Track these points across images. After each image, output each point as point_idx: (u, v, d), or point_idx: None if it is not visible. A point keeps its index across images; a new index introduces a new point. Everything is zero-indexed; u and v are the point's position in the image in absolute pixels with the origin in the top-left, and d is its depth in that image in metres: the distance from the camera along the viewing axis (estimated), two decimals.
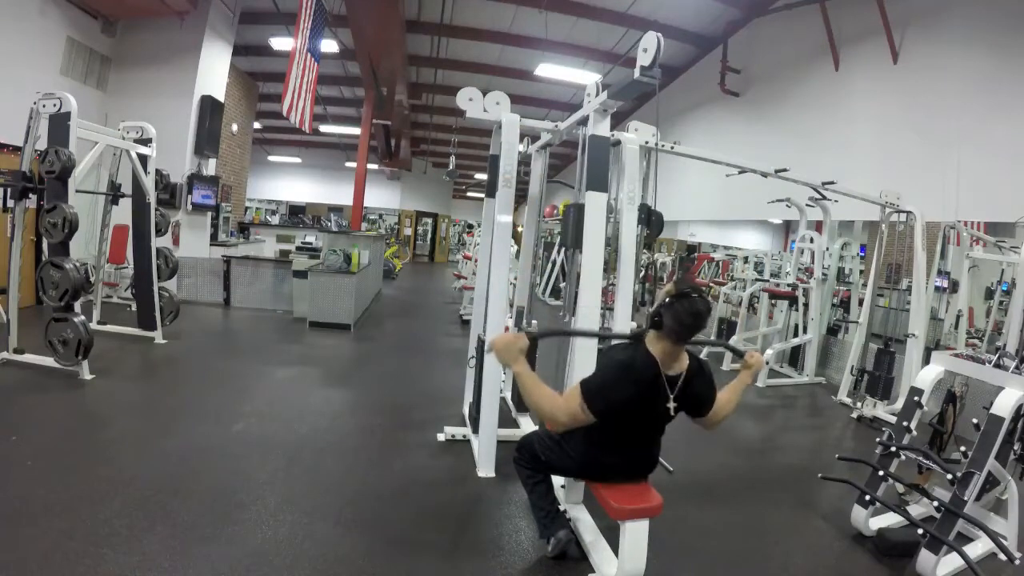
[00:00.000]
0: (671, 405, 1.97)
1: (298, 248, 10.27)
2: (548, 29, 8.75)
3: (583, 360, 2.57)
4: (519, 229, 6.61)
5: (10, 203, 4.34)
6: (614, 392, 1.91)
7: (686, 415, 2.11)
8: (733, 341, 6.43)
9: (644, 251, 3.30)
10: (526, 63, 10.22)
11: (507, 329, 3.80)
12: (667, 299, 1.91)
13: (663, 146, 3.76)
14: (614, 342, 2.35)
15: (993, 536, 2.34)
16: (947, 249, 5.24)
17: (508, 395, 4.03)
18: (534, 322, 3.78)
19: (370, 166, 13.77)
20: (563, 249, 9.20)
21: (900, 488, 2.97)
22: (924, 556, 2.37)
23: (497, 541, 2.46)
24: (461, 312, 8.39)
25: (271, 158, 18.89)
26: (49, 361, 4.07)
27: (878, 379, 4.76)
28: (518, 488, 2.85)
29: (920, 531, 2.50)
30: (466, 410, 3.86)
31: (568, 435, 2.18)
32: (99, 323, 5.46)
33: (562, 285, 8.52)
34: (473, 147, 16.98)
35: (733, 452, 3.94)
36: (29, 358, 4.17)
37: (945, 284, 5.39)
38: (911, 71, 6.21)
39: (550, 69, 9.21)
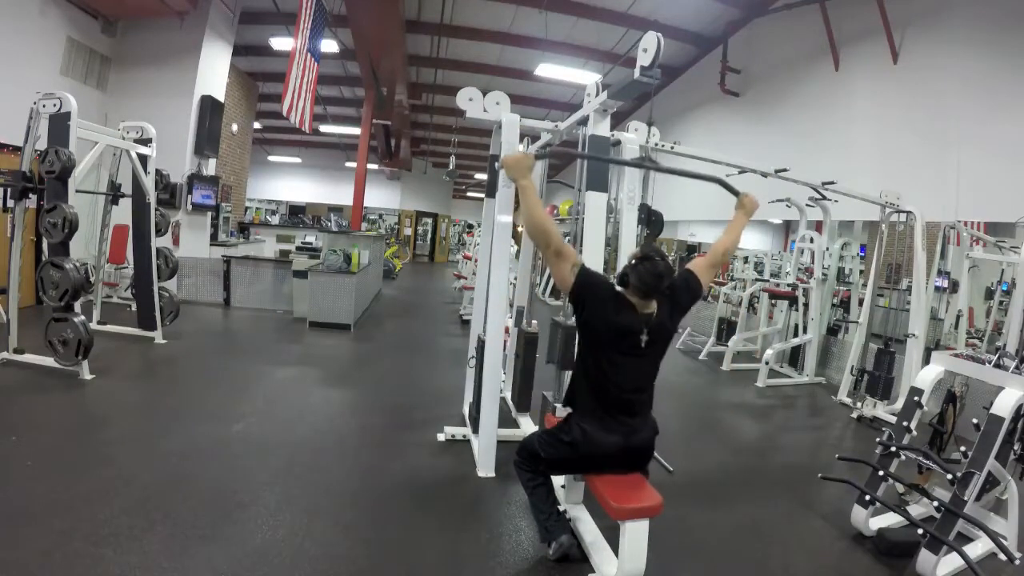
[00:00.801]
0: (643, 337, 2.11)
1: (298, 248, 10.27)
2: (548, 29, 8.75)
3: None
4: (519, 229, 6.60)
5: (10, 203, 4.34)
6: (598, 288, 2.16)
7: (691, 303, 2.29)
8: (733, 341, 6.43)
9: None
10: (526, 63, 10.23)
11: (507, 329, 3.80)
12: (632, 260, 2.12)
13: (663, 146, 3.77)
14: None
15: (993, 536, 2.34)
16: (947, 249, 5.24)
17: (508, 395, 4.03)
18: (534, 322, 3.78)
19: (370, 166, 13.78)
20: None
21: (900, 488, 2.97)
22: (924, 556, 2.37)
23: (497, 541, 2.46)
24: (461, 312, 8.39)
25: (271, 158, 18.90)
26: (49, 361, 4.07)
27: (878, 379, 4.76)
28: (518, 488, 2.85)
29: (920, 531, 2.50)
30: (466, 410, 3.86)
31: (565, 424, 2.23)
32: (99, 323, 5.46)
33: None
34: (473, 147, 16.98)
35: (733, 452, 3.94)
36: (29, 358, 4.18)
37: (945, 284, 5.39)
38: (911, 71, 6.21)
39: (550, 69, 9.21)
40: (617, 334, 2.11)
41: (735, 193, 2.58)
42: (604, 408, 2.14)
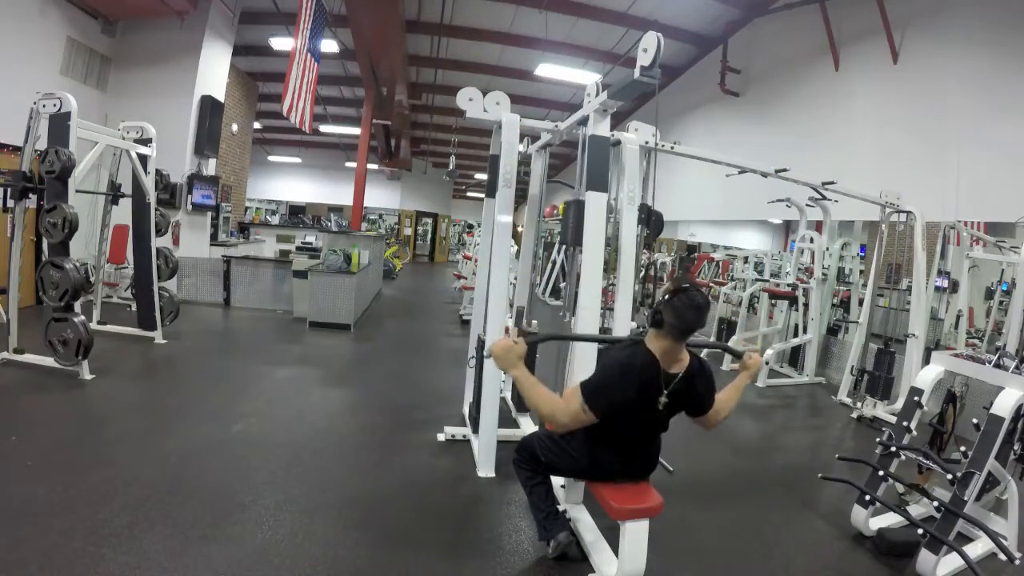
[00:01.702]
0: (663, 400, 1.96)
1: (298, 248, 10.27)
2: (548, 29, 8.75)
3: (583, 361, 2.57)
4: (519, 229, 6.61)
5: (10, 203, 4.33)
6: (614, 392, 1.92)
7: (686, 415, 2.12)
8: (733, 341, 6.43)
9: (644, 251, 3.29)
10: (526, 63, 10.22)
11: (507, 329, 3.80)
12: (666, 296, 1.92)
13: (663, 146, 3.76)
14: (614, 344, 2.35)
15: (993, 536, 2.34)
16: (947, 249, 5.24)
17: (508, 395, 4.03)
18: (534, 322, 3.78)
19: (370, 166, 13.77)
20: (563, 249, 9.21)
21: (900, 488, 2.97)
22: (924, 556, 2.37)
23: (497, 541, 2.46)
24: (461, 312, 8.39)
25: (271, 158, 18.89)
26: (49, 361, 4.07)
27: (878, 379, 4.76)
28: (518, 488, 2.85)
29: (920, 531, 2.50)
30: (466, 410, 3.86)
31: (569, 434, 2.19)
32: (99, 323, 5.46)
33: (562, 285, 8.52)
34: (473, 147, 16.98)
35: (733, 452, 3.94)
36: (29, 358, 4.18)
37: (945, 284, 5.39)
38: (911, 71, 6.21)
39: (550, 69, 9.21)
40: (634, 408, 1.97)
41: (737, 355, 2.37)
42: (613, 445, 2.10)
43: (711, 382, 2.11)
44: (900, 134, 6.23)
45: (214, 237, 9.18)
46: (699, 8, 8.54)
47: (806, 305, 5.91)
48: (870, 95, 6.74)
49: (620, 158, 2.95)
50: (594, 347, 2.60)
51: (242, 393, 4.16)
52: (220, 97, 8.30)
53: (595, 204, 2.78)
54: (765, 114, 8.71)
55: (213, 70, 8.04)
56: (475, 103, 3.31)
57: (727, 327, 6.99)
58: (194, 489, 2.63)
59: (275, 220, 16.64)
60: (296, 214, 18.26)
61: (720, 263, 10.08)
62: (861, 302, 5.66)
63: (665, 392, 1.96)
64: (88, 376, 4.05)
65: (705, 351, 6.80)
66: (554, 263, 11.47)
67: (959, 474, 2.40)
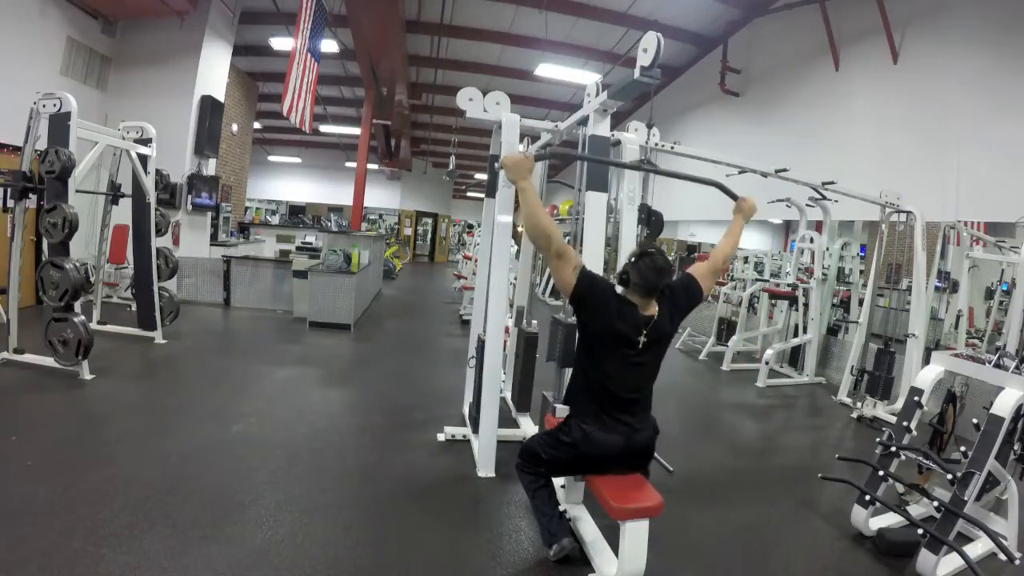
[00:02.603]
0: (642, 339, 2.11)
1: (298, 248, 10.27)
2: (548, 29, 8.75)
3: None
4: (519, 229, 6.60)
5: (10, 203, 4.34)
6: (599, 285, 2.17)
7: (689, 307, 2.28)
8: (733, 341, 6.43)
9: None
10: (526, 63, 10.22)
11: (507, 329, 3.80)
12: (631, 258, 2.15)
13: (663, 146, 3.76)
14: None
15: (993, 536, 2.34)
16: (947, 249, 5.24)
17: (508, 395, 4.03)
18: (534, 322, 3.78)
19: (370, 166, 13.78)
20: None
21: (900, 488, 2.97)
22: (924, 556, 2.37)
23: (497, 541, 2.46)
24: (461, 312, 8.39)
25: (271, 158, 18.89)
26: (49, 361, 4.07)
27: (878, 379, 4.76)
28: (518, 488, 2.85)
29: (920, 531, 2.50)
30: (466, 410, 3.86)
31: (565, 424, 2.23)
32: (99, 323, 5.46)
33: None
34: (473, 147, 16.98)
35: (733, 452, 3.95)
36: (29, 358, 4.18)
37: (945, 284, 5.39)
38: (911, 71, 6.21)
39: (550, 69, 9.21)
40: (617, 336, 2.10)
41: (733, 197, 2.59)
42: (603, 408, 2.14)
43: (689, 287, 2.30)
44: (900, 134, 6.23)
45: (214, 237, 9.18)
46: (699, 8, 8.54)
47: (806, 305, 5.91)
48: (870, 95, 6.74)
49: (620, 158, 2.95)
50: None
51: (242, 393, 4.16)
52: (220, 97, 8.30)
53: (595, 204, 2.78)
54: (765, 114, 8.71)
55: (213, 70, 8.04)
56: (475, 103, 3.31)
57: (727, 327, 6.99)
58: (194, 489, 2.63)
59: (275, 220, 16.66)
60: (296, 214, 18.27)
61: None
62: (861, 302, 5.66)
63: (644, 331, 2.11)
64: (88, 376, 4.05)
65: (706, 350, 6.80)
66: None
67: (959, 474, 2.40)
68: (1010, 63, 5.15)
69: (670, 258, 2.23)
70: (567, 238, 3.17)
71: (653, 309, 2.16)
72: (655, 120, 3.40)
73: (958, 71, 5.62)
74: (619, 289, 2.19)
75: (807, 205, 5.97)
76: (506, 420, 3.61)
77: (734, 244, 2.53)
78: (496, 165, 2.99)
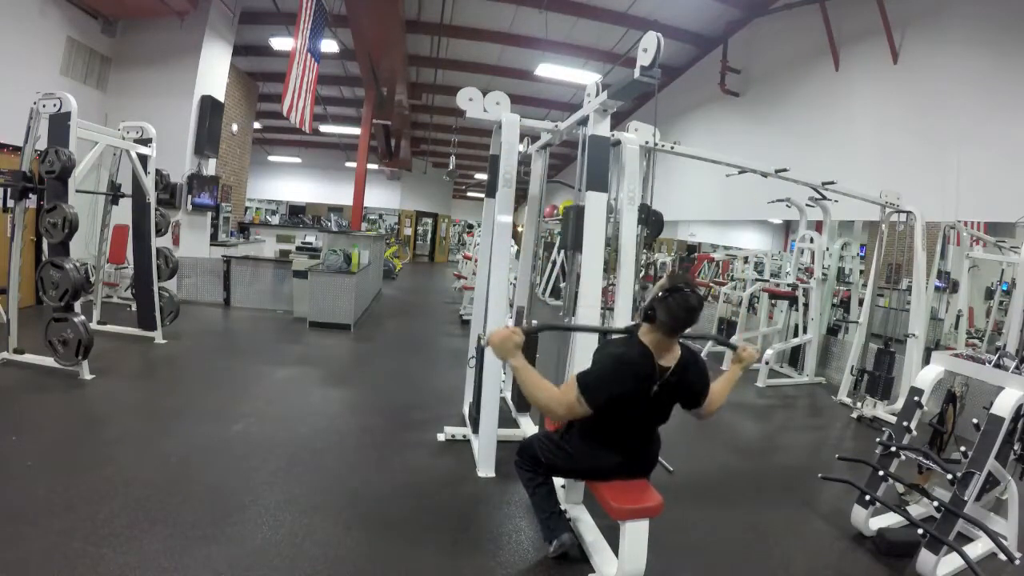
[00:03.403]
0: (654, 389, 1.98)
1: (298, 248, 10.27)
2: (548, 29, 8.74)
3: (583, 355, 2.56)
4: (519, 229, 6.61)
5: (10, 203, 4.34)
6: (610, 384, 1.95)
7: (680, 407, 2.14)
8: (734, 340, 6.42)
9: (644, 251, 3.29)
10: (526, 63, 10.22)
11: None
12: (660, 293, 1.94)
13: (663, 146, 3.76)
14: (610, 336, 2.37)
15: (993, 536, 2.34)
16: (947, 249, 5.24)
17: (508, 395, 4.03)
18: (534, 322, 3.78)
19: (370, 166, 13.77)
20: (563, 250, 9.20)
21: (900, 488, 2.97)
22: (924, 556, 2.37)
23: (497, 541, 2.46)
24: (461, 312, 8.39)
25: (271, 158, 18.89)
26: (49, 361, 4.07)
27: (878, 379, 4.76)
28: (518, 488, 2.85)
29: (920, 531, 2.50)
30: (466, 410, 3.86)
31: (567, 433, 2.20)
32: (99, 323, 5.46)
33: (562, 285, 8.52)
34: (473, 147, 16.98)
35: (733, 452, 3.94)
36: (29, 358, 4.18)
37: (945, 284, 5.39)
38: (911, 71, 6.21)
39: (550, 69, 9.20)
40: (637, 405, 2.01)
41: (731, 347, 2.46)
42: (610, 442, 2.11)
43: (704, 374, 2.14)
44: (900, 134, 6.23)
45: (214, 237, 9.18)
46: (699, 8, 8.53)
47: (806, 305, 5.91)
48: (870, 95, 6.74)
49: (620, 158, 2.95)
50: (595, 342, 2.61)
51: (242, 393, 4.16)
52: (220, 97, 8.30)
53: (595, 204, 2.78)
54: (765, 114, 8.71)
55: (213, 70, 8.04)
56: (475, 103, 3.30)
57: (727, 327, 6.99)
58: (194, 489, 2.63)
59: (275, 220, 16.66)
60: (296, 214, 18.27)
61: (720, 263, 10.08)
62: (861, 302, 5.66)
63: (657, 383, 1.98)
64: (88, 376, 4.05)
65: (706, 350, 6.82)
66: (554, 263, 11.47)
67: (959, 474, 2.40)
68: (1010, 63, 5.15)
69: (670, 258, 2.21)
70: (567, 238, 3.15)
71: (673, 356, 2.01)
72: (655, 120, 3.40)
73: (958, 71, 5.61)
74: (641, 326, 2.04)
75: (807, 205, 5.96)
76: (506, 420, 3.61)
77: (726, 394, 2.27)
78: (482, 343, 2.87)
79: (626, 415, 2.03)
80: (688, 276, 2.19)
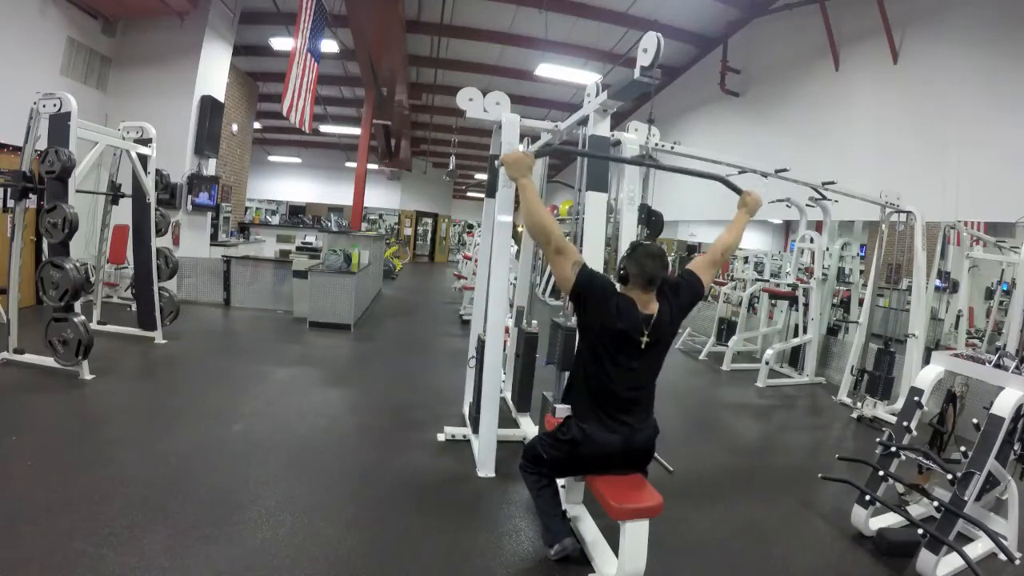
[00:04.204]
0: (644, 339, 2.08)
1: (298, 248, 10.28)
2: (548, 29, 8.74)
3: None
4: (519, 229, 6.61)
5: (10, 203, 4.34)
6: (598, 282, 2.15)
7: (692, 302, 2.25)
8: (733, 341, 6.43)
9: None
10: (526, 63, 10.22)
11: (507, 330, 3.80)
12: (626, 252, 2.15)
13: (663, 146, 3.76)
14: None
15: (993, 536, 2.34)
16: (947, 249, 5.24)
17: (508, 395, 4.03)
18: (534, 322, 3.78)
19: (370, 166, 13.77)
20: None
21: (900, 488, 2.97)
22: (924, 556, 2.37)
23: (497, 541, 2.46)
24: (461, 312, 8.39)
25: (271, 158, 18.89)
26: (49, 361, 4.07)
27: (878, 379, 4.76)
28: (518, 488, 2.86)
29: (920, 531, 2.50)
30: (466, 410, 3.86)
31: (564, 425, 2.23)
32: (99, 323, 5.46)
33: None
34: (473, 147, 16.98)
35: (733, 452, 3.95)
36: (29, 358, 4.18)
37: (945, 284, 5.39)
38: (911, 71, 6.21)
39: (550, 69, 9.20)
40: (618, 335, 2.09)
41: (737, 191, 2.57)
42: (603, 407, 2.14)
43: (690, 282, 2.27)
44: (900, 134, 6.23)
45: (214, 237, 9.18)
46: (699, 8, 8.54)
47: (806, 305, 5.91)
48: (870, 95, 6.74)
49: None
50: None
51: (242, 393, 4.16)
52: (220, 97, 8.30)
53: (595, 204, 2.78)
54: (765, 114, 8.71)
55: (213, 70, 8.04)
56: (475, 103, 3.30)
57: (727, 327, 6.99)
58: (194, 489, 2.63)
59: (275, 220, 16.67)
60: (296, 214, 18.28)
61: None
62: (861, 302, 5.66)
63: (646, 330, 2.08)
64: (88, 376, 4.05)
65: (707, 350, 6.80)
66: None
67: (959, 474, 2.40)
68: (1010, 63, 5.15)
69: (670, 258, 2.23)
70: (567, 238, 3.16)
71: (654, 307, 2.13)
72: (655, 120, 3.40)
73: (958, 71, 5.62)
74: (619, 287, 2.17)
75: (807, 205, 5.97)
76: (506, 420, 3.61)
77: (737, 237, 2.49)
78: (496, 163, 2.98)
79: (614, 352, 2.09)
80: (643, 239, 2.35)
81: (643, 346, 2.09)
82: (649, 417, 2.22)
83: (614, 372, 2.11)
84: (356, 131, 12.02)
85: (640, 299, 2.11)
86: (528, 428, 3.64)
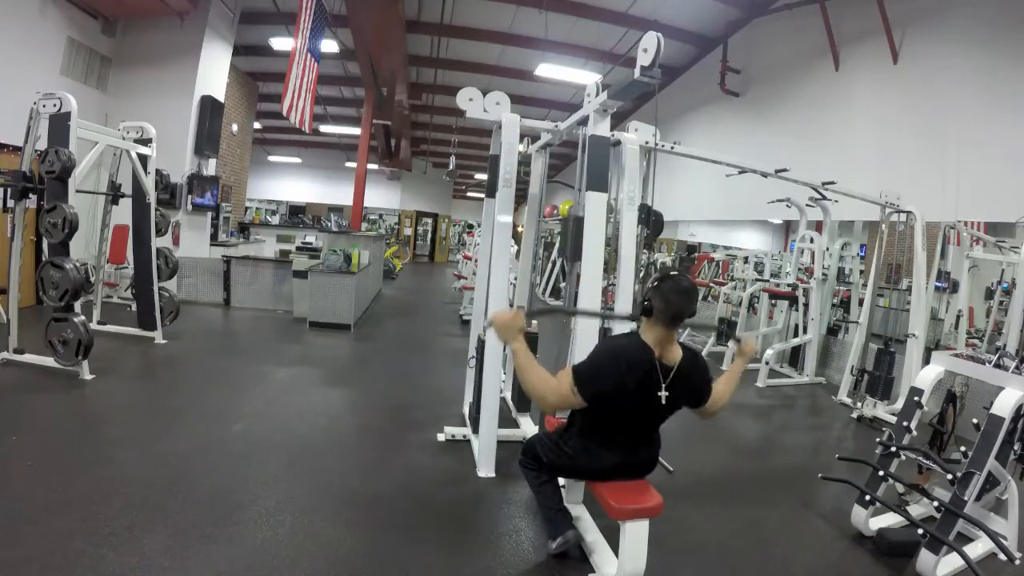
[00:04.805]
0: (663, 394, 1.98)
1: (298, 248, 10.28)
2: (548, 29, 8.74)
3: (584, 348, 2.56)
4: (519, 229, 6.61)
5: (10, 203, 4.34)
6: (604, 376, 1.94)
7: (686, 407, 2.14)
8: (733, 342, 6.42)
9: (644, 251, 3.29)
10: (526, 63, 10.22)
11: None
12: (653, 283, 1.98)
13: (663, 146, 3.77)
14: (615, 330, 2.37)
15: (993, 536, 2.34)
16: (947, 249, 5.24)
17: (508, 395, 4.03)
18: (534, 322, 3.78)
19: (370, 166, 13.77)
20: (562, 257, 9.20)
21: (900, 488, 2.97)
22: (924, 556, 2.37)
23: (497, 541, 2.46)
24: (461, 312, 8.39)
25: (271, 158, 18.89)
26: (49, 361, 4.07)
27: (878, 379, 4.76)
28: (518, 488, 2.86)
29: (920, 531, 2.50)
30: (466, 410, 3.86)
31: (565, 433, 2.21)
32: (99, 323, 5.46)
33: (562, 285, 8.52)
34: (473, 147, 16.98)
35: (733, 452, 3.94)
36: (29, 358, 4.17)
37: (945, 284, 5.39)
38: (911, 71, 6.21)
39: (550, 69, 9.20)
40: (636, 403, 1.99)
41: (736, 340, 2.43)
42: (608, 442, 2.11)
43: (707, 372, 2.16)
44: (900, 134, 6.23)
45: (214, 237, 9.18)
46: (699, 8, 8.54)
47: (806, 305, 5.91)
48: (870, 95, 6.74)
49: (620, 158, 2.95)
50: (596, 336, 2.61)
51: (242, 393, 4.16)
52: (220, 97, 8.30)
53: (595, 204, 2.78)
54: (765, 114, 8.71)
55: (213, 70, 8.04)
56: (475, 103, 3.30)
57: (727, 327, 6.99)
58: (194, 489, 2.63)
59: (275, 220, 16.66)
60: (296, 214, 18.27)
61: (720, 263, 10.08)
62: (861, 302, 5.66)
63: (664, 385, 1.97)
64: (88, 376, 4.05)
65: (707, 350, 6.82)
66: (554, 263, 11.47)
67: (959, 474, 2.40)
68: (1010, 63, 5.15)
69: (670, 258, 2.21)
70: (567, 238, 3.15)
71: (676, 354, 2.00)
72: (656, 120, 3.40)
73: (958, 71, 5.62)
74: (638, 324, 2.05)
75: (807, 205, 5.96)
76: (506, 420, 3.61)
77: (731, 391, 2.30)
78: (484, 325, 2.91)
79: (625, 411, 2.02)
80: (680, 270, 2.24)
81: (663, 401, 1.98)
82: (655, 438, 2.19)
83: (623, 423, 2.05)
84: (356, 131, 12.02)
85: (659, 341, 1.97)
86: (528, 428, 3.64)
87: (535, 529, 2.54)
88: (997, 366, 2.61)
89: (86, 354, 4.00)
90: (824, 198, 5.43)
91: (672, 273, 1.97)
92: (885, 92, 6.51)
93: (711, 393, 2.16)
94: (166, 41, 7.50)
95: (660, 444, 2.22)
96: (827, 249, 6.08)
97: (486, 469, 3.07)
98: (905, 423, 2.77)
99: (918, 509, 2.88)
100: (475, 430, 3.37)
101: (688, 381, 2.05)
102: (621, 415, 2.04)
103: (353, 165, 12.68)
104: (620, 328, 2.60)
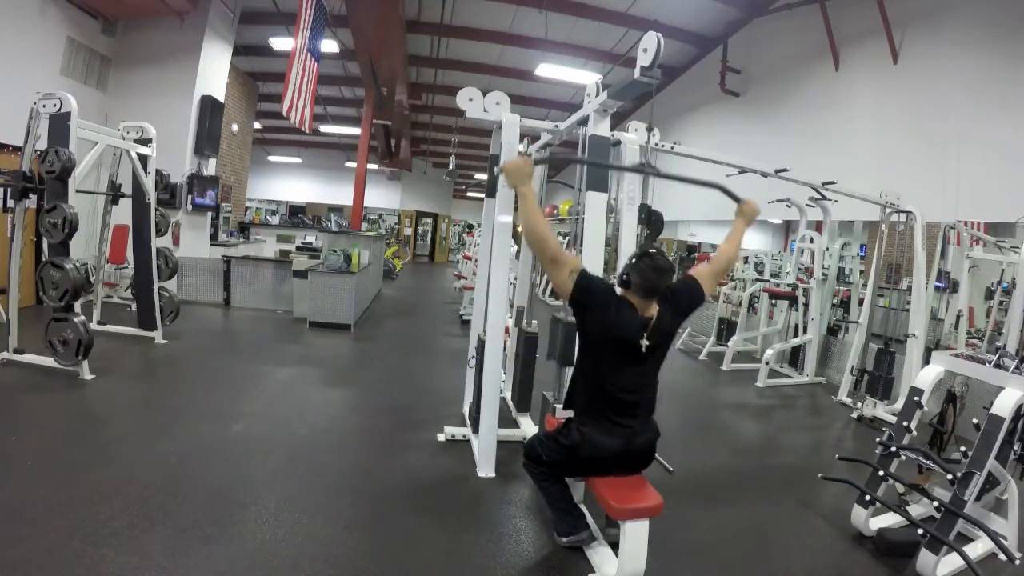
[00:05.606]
0: (644, 343, 2.08)
1: (298, 248, 10.29)
2: (548, 29, 8.75)
3: None
4: (519, 229, 6.60)
5: (10, 203, 4.34)
6: (597, 291, 2.13)
7: (690, 311, 2.26)
8: (733, 341, 6.43)
9: None
10: (526, 63, 10.22)
11: (507, 329, 3.80)
12: (632, 259, 2.13)
13: (663, 146, 3.76)
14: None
15: (993, 536, 2.34)
16: (947, 249, 5.24)
17: (508, 395, 4.03)
18: (534, 322, 3.78)
19: (370, 166, 13.77)
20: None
21: (900, 488, 2.97)
22: (924, 556, 2.37)
23: (497, 541, 2.46)
24: (461, 312, 8.39)
25: (271, 158, 18.89)
26: (49, 361, 4.07)
27: (878, 379, 4.76)
28: (518, 488, 2.86)
29: (920, 531, 2.50)
30: (466, 410, 3.86)
31: (565, 427, 2.23)
32: (99, 323, 5.46)
33: None
34: (473, 147, 16.97)
35: (733, 452, 3.94)
36: (29, 358, 4.17)
37: (945, 284, 5.39)
38: (911, 71, 6.21)
39: (550, 69, 9.21)
40: (617, 340, 2.09)
41: (736, 199, 2.53)
42: (603, 411, 2.13)
43: (689, 285, 2.27)
44: (900, 134, 6.23)
45: (214, 237, 9.18)
46: (699, 8, 8.54)
47: (806, 305, 5.91)
48: (870, 95, 6.74)
49: (620, 158, 2.95)
50: None
51: (242, 393, 4.16)
52: (220, 97, 8.30)
53: (595, 204, 2.78)
54: (765, 114, 8.71)
55: (213, 70, 8.04)
56: (475, 103, 3.30)
57: (727, 327, 6.99)
58: (194, 489, 2.63)
59: (275, 220, 16.66)
60: (296, 214, 18.27)
61: None
62: (861, 302, 5.66)
63: (645, 335, 2.08)
64: (88, 376, 4.05)
65: (707, 350, 6.80)
66: None
67: (959, 474, 2.40)
68: (1010, 63, 5.15)
69: (670, 258, 2.22)
70: (567, 238, 3.18)
71: (653, 310, 2.13)
72: (655, 120, 3.40)
73: (958, 71, 5.62)
74: (619, 291, 2.17)
75: (807, 205, 5.97)
76: (506, 420, 3.61)
77: (736, 247, 2.49)
78: (496, 169, 2.98)
79: (614, 357, 2.09)
80: (655, 243, 2.37)
81: (643, 350, 2.09)
82: (650, 420, 2.22)
83: (613, 376, 2.11)
84: (356, 131, 12.03)
85: (640, 304, 2.12)
86: (528, 428, 3.64)
87: (535, 529, 2.54)
88: (997, 366, 2.61)
89: (86, 354, 4.00)
90: (824, 198, 5.43)
91: (650, 251, 2.11)
92: (885, 92, 6.52)
93: (703, 293, 2.28)
94: (166, 41, 7.51)
95: (657, 432, 2.23)
96: (827, 249, 6.08)
97: (486, 469, 3.07)
98: (905, 423, 2.77)
99: (918, 509, 2.88)
100: (475, 430, 3.37)
101: (676, 306, 2.19)
102: (608, 365, 2.11)
103: (353, 165, 12.69)
104: None
